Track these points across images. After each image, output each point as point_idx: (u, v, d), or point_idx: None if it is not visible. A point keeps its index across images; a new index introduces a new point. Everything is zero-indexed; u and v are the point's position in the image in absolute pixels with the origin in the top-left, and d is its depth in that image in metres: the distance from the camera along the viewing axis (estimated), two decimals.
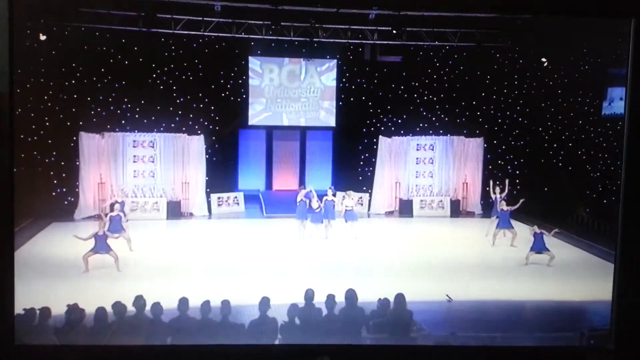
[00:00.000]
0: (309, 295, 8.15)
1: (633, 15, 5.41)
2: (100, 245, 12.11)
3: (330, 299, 8.12)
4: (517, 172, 18.90)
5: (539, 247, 13.02)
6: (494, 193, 15.74)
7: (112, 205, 14.36)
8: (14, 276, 5.46)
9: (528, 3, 6.08)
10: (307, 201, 15.07)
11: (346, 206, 15.25)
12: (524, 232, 14.17)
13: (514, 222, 14.71)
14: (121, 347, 7.06)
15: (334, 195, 15.55)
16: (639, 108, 5.61)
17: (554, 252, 13.11)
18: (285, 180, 19.87)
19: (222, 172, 18.56)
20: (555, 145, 18.40)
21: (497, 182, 16.22)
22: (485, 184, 18.34)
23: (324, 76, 19.24)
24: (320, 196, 15.26)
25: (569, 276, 12.35)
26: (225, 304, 7.82)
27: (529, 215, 15.31)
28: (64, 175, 16.68)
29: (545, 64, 17.60)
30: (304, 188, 15.86)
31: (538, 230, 13.07)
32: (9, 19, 5.10)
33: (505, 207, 14.62)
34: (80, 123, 16.68)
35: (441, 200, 18.92)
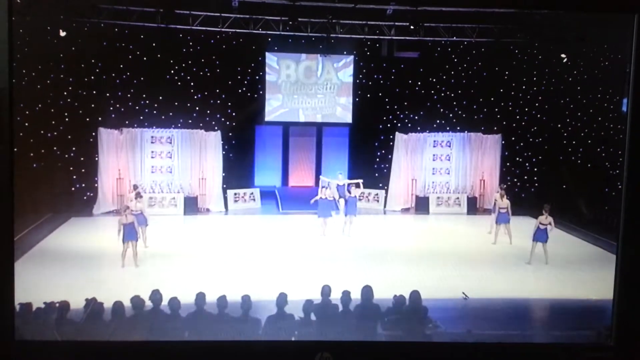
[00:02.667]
0: (326, 291, 8.17)
1: (637, 10, 5.33)
2: (130, 232, 12.20)
3: (346, 295, 8.14)
4: (535, 169, 18.77)
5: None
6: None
7: (136, 195, 14.31)
8: (13, 271, 5.51)
9: None
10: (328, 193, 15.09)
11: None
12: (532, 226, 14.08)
13: (529, 219, 14.65)
14: (126, 343, 7.10)
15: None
16: None
17: (574, 250, 13.00)
18: (301, 176, 19.93)
19: (238, 168, 18.67)
20: (574, 142, 18.21)
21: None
22: (502, 181, 18.21)
23: (340, 72, 19.22)
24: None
25: (588, 274, 12.23)
26: (246, 299, 7.87)
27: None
28: (83, 170, 16.88)
29: (565, 60, 17.39)
30: (324, 187, 15.76)
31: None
32: (8, 12, 5.11)
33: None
34: (99, 119, 16.88)
35: (458, 198, 18.82)
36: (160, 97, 17.48)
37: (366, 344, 7.10)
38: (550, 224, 12.94)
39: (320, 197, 14.91)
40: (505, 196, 14.83)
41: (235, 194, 18.27)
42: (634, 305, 5.66)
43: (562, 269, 12.68)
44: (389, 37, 17.41)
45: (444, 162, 19.16)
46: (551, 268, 12.76)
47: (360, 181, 16.19)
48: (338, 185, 16.45)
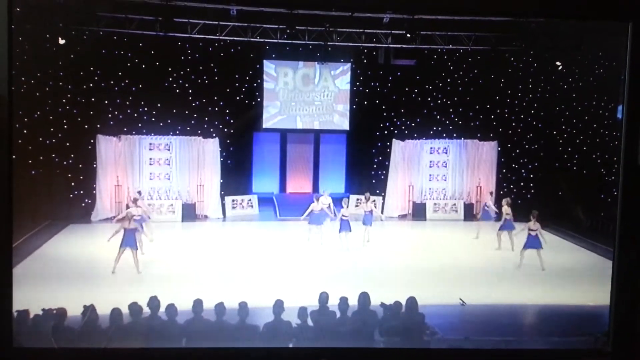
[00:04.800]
0: (323, 298, 8.19)
1: (631, 18, 5.42)
2: (129, 239, 12.17)
3: (343, 302, 8.16)
4: (531, 175, 18.84)
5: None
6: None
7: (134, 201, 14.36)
8: (12, 278, 5.54)
9: (524, 6, 6.10)
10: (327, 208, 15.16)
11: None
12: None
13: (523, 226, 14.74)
14: (123, 350, 7.11)
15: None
16: (636, 111, 5.65)
17: (571, 257, 13.04)
18: (299, 183, 19.97)
19: (236, 174, 18.70)
20: (569, 148, 18.31)
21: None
22: (499, 187, 18.31)
23: (338, 80, 19.31)
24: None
25: (585, 280, 12.28)
26: (243, 306, 7.90)
27: (543, 219, 15.21)
28: (81, 177, 16.91)
29: (560, 67, 17.51)
30: (320, 194, 15.79)
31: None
32: (8, 20, 5.18)
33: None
34: (98, 126, 16.94)
35: (455, 204, 18.90)
36: (159, 105, 17.55)
37: (363, 351, 7.14)
38: (538, 230, 13.10)
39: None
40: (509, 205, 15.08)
41: (233, 200, 18.31)
42: (631, 311, 5.71)
43: (559, 275, 12.73)
44: (386, 45, 17.51)
45: (440, 168, 19.26)
46: (548, 274, 12.81)
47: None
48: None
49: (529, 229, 13.23)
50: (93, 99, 16.64)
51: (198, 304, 7.92)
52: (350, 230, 14.50)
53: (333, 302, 8.19)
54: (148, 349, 7.27)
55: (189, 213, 17.67)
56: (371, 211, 15.32)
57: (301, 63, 19.01)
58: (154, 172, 17.87)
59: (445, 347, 8.39)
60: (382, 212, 18.69)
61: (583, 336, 8.26)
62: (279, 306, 7.83)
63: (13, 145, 5.39)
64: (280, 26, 16.46)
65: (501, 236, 14.86)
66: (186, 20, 16.01)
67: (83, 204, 17.02)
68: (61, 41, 15.10)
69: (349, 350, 6.96)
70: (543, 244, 13.15)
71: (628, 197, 5.65)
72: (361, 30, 16.93)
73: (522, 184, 18.84)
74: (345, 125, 19.52)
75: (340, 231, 14.45)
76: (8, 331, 5.62)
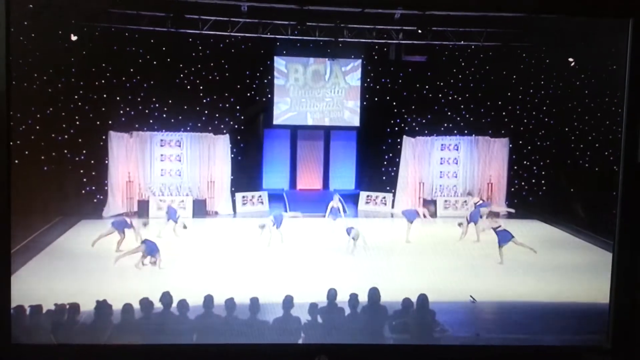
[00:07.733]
0: (332, 294, 8.22)
1: (632, 15, 5.39)
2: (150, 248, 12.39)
3: (353, 298, 8.19)
4: (543, 172, 18.71)
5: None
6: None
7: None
8: (10, 274, 5.59)
9: (526, 2, 6.08)
10: None
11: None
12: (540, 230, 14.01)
13: (537, 223, 14.65)
14: (130, 346, 7.16)
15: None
16: (637, 107, 5.65)
17: (581, 254, 12.96)
18: (309, 179, 19.96)
19: (246, 171, 18.73)
20: (582, 145, 18.14)
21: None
22: (510, 184, 18.20)
23: (348, 76, 19.27)
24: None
25: (594, 277, 12.17)
26: (254, 301, 7.94)
27: (554, 216, 15.15)
28: (93, 173, 16.99)
29: (573, 64, 17.36)
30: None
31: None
32: (6, 16, 5.22)
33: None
34: (110, 122, 17.02)
35: (465, 201, 18.83)
36: (170, 101, 17.60)
37: (365, 347, 7.15)
38: (500, 225, 13.48)
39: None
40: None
41: (243, 197, 18.35)
42: (631, 308, 5.70)
43: (570, 272, 12.66)
44: (397, 41, 17.47)
45: (451, 165, 19.20)
46: (559, 271, 12.73)
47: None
48: (333, 207, 16.23)
49: (492, 228, 13.29)
50: (105, 96, 16.69)
51: (209, 299, 7.98)
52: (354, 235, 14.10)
53: (343, 299, 8.22)
54: (159, 344, 7.32)
55: (200, 209, 17.74)
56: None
57: (312, 59, 18.97)
58: (165, 168, 17.96)
59: (456, 344, 8.40)
60: (392, 208, 18.72)
61: (584, 333, 8.25)
62: (288, 302, 7.88)
63: (11, 142, 5.42)
64: (291, 22, 16.48)
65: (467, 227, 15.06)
66: (197, 17, 16.06)
67: (95, 200, 17.12)
68: (73, 38, 15.18)
69: (351, 346, 6.98)
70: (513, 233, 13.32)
71: (628, 194, 5.63)
72: (372, 26, 16.89)
73: (533, 180, 18.73)
74: (356, 122, 19.48)
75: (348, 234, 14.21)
76: (6, 327, 5.66)
